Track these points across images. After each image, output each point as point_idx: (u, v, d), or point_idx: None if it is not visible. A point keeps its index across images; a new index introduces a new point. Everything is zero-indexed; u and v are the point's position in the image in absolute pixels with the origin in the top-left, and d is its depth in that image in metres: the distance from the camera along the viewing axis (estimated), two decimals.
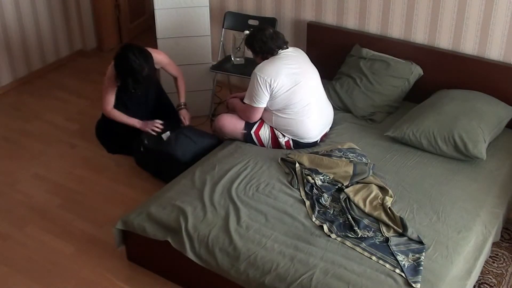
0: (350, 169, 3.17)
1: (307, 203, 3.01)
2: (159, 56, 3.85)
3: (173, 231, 2.91)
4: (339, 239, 2.78)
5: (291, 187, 3.13)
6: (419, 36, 3.94)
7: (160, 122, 3.84)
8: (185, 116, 3.98)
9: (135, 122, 3.87)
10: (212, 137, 3.79)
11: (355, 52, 4.05)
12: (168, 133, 3.76)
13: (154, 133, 3.78)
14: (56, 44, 5.31)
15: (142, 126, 3.85)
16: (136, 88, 3.70)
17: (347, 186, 3.13)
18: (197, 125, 4.22)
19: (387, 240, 2.78)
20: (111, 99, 3.85)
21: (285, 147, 3.53)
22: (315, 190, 3.08)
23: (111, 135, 4.09)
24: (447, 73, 3.83)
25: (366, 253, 2.70)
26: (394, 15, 3.97)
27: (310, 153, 3.40)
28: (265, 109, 3.51)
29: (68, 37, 5.41)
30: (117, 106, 3.88)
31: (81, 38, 5.54)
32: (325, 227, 2.85)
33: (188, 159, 3.60)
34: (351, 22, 4.16)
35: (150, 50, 3.74)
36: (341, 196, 3.07)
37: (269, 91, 3.39)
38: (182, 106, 4.02)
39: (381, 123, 3.77)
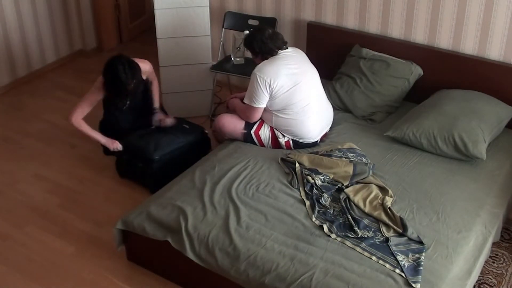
0: (350, 169, 3.17)
1: (307, 203, 3.01)
2: (145, 66, 3.80)
3: (173, 231, 2.91)
4: (339, 239, 2.78)
5: (291, 187, 3.13)
6: (419, 36, 3.94)
7: (121, 146, 3.78)
8: (161, 119, 3.89)
9: (99, 137, 3.80)
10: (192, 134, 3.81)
11: (355, 52, 4.05)
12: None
13: (117, 150, 3.79)
14: (56, 44, 5.31)
15: (106, 142, 3.79)
16: (121, 100, 3.70)
17: (347, 186, 3.13)
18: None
19: (387, 240, 2.78)
20: (86, 109, 3.75)
21: (285, 147, 3.53)
22: (315, 190, 3.08)
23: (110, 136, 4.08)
24: (447, 73, 3.83)
25: (366, 253, 2.70)
26: (394, 15, 3.97)
27: (310, 153, 3.40)
28: (265, 110, 3.51)
29: (68, 37, 5.41)
30: (112, 112, 3.87)
31: (81, 38, 5.54)
32: (325, 227, 2.85)
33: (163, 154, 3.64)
34: (351, 22, 4.16)
35: (137, 60, 3.70)
36: (341, 196, 3.07)
37: (269, 92, 3.39)
38: (156, 111, 3.95)
39: (381, 123, 3.77)
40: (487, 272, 3.10)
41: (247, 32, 3.94)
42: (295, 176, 3.19)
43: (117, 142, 3.79)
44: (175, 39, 4.25)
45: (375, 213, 2.94)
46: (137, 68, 3.62)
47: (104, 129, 4.13)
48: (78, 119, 3.74)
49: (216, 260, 2.78)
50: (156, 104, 3.98)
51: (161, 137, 3.71)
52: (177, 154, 3.72)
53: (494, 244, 3.20)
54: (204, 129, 3.95)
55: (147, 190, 3.70)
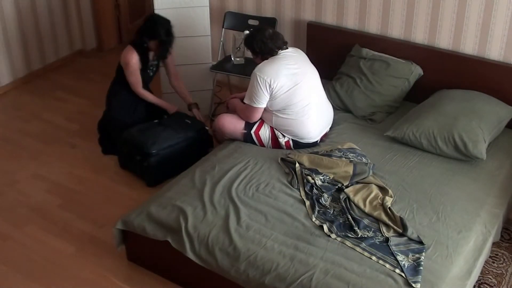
0: (350, 169, 3.17)
1: (307, 203, 3.01)
2: None
3: (173, 231, 2.91)
4: (339, 239, 2.78)
5: (291, 187, 3.13)
6: (419, 36, 3.94)
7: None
8: (199, 116, 4.09)
9: (159, 101, 4.07)
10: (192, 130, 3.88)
11: (355, 52, 4.05)
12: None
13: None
14: (56, 44, 5.31)
15: (167, 107, 4.06)
16: (164, 52, 3.94)
17: (347, 186, 3.13)
18: None
19: (387, 240, 2.78)
20: (139, 79, 3.94)
21: (285, 147, 3.53)
22: (315, 190, 3.08)
23: (109, 135, 4.09)
24: (447, 73, 3.83)
25: (366, 253, 2.70)
26: (394, 15, 3.97)
27: (310, 153, 3.40)
28: (265, 110, 3.51)
29: (68, 37, 5.41)
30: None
31: (81, 38, 5.54)
32: (325, 227, 2.85)
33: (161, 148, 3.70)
34: (351, 22, 4.16)
35: None
36: (341, 196, 3.07)
37: (269, 92, 3.39)
38: (195, 106, 4.15)
39: (381, 123, 3.77)
40: (487, 272, 3.10)
41: (247, 32, 3.94)
42: (295, 176, 3.19)
43: (175, 107, 4.09)
44: (175, 39, 4.24)
45: (375, 213, 2.94)
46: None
47: (103, 129, 4.14)
48: (142, 90, 4.00)
49: (216, 260, 2.78)
50: (190, 98, 4.17)
51: (160, 132, 3.74)
52: (176, 149, 3.74)
53: (494, 244, 3.19)
54: (205, 125, 3.98)
55: (147, 190, 3.70)
